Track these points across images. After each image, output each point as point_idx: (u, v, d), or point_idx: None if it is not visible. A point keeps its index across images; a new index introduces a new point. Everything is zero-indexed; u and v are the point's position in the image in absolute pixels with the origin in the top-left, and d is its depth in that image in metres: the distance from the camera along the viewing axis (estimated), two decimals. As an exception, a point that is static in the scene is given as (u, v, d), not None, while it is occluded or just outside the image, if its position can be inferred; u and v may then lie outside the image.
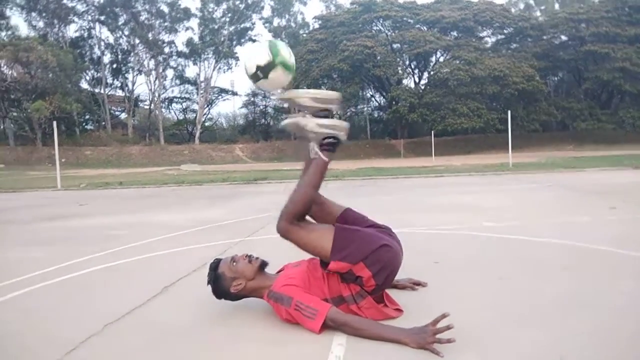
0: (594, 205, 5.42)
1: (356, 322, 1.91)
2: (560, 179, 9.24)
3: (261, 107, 53.09)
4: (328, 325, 1.91)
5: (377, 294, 2.07)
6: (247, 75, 2.13)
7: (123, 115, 45.34)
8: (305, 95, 2.12)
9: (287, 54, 2.10)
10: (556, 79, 42.12)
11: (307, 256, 2.23)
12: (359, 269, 2.01)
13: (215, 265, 2.19)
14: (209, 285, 2.19)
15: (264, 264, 2.19)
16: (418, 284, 2.52)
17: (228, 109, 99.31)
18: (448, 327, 1.73)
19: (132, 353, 1.89)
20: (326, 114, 2.14)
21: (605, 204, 5.29)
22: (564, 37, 39.28)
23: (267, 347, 1.87)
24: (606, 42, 35.05)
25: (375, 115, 49.90)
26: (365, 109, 48.34)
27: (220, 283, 2.16)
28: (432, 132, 31.87)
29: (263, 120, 53.30)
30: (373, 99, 49.20)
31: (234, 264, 2.16)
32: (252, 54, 2.13)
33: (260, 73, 2.07)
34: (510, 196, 6.76)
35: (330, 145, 2.11)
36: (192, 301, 2.44)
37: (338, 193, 7.83)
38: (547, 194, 6.80)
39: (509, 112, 15.38)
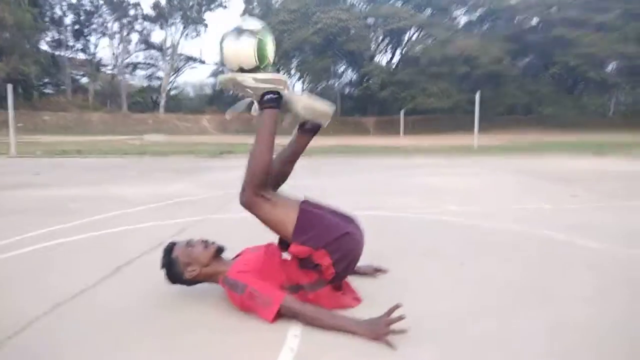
0: (555, 192, 5.54)
1: (311, 311, 1.86)
2: (523, 164, 9.43)
3: (230, 77, 51.97)
4: (282, 314, 1.86)
5: (335, 282, 2.03)
6: (225, 63, 2.05)
7: (84, 80, 43.52)
8: (250, 76, 2.01)
9: (272, 54, 2.04)
10: (524, 62, 42.78)
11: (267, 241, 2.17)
12: (320, 255, 1.95)
13: (169, 249, 2.10)
14: (161, 267, 2.11)
15: (219, 250, 2.11)
16: (379, 270, 2.49)
17: (195, 78, 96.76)
18: (400, 318, 1.70)
19: (77, 338, 1.80)
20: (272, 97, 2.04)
21: (566, 191, 5.42)
22: (534, 21, 39.81)
23: (218, 335, 1.80)
24: (574, 28, 35.65)
25: (346, 91, 49.68)
26: (337, 84, 48.04)
27: (174, 268, 2.07)
28: (402, 111, 32.04)
29: (231, 91, 52.35)
30: (345, 74, 48.88)
31: (189, 248, 2.08)
32: (237, 51, 2.00)
33: (240, 71, 2.00)
34: (475, 180, 6.85)
35: (272, 101, 2.01)
36: (144, 284, 2.34)
37: (302, 172, 7.77)
38: (510, 179, 6.92)
39: (478, 93, 15.48)
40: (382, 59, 44.59)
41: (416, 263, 2.71)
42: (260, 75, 2.00)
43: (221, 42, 2.04)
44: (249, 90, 2.01)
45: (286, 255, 2.09)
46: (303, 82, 49.25)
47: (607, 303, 2.09)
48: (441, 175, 7.46)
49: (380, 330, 1.72)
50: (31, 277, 2.50)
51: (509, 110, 40.03)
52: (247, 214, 2.04)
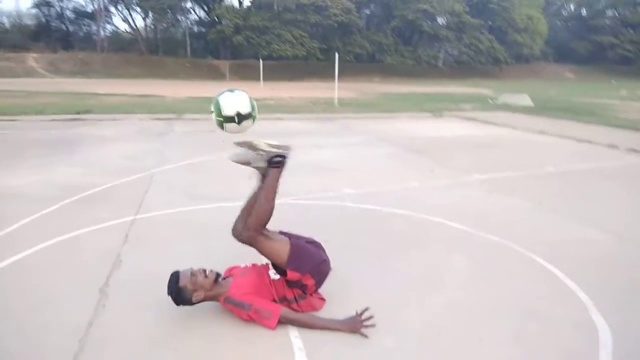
0: (417, 167, 6.73)
1: (303, 318, 2.54)
2: (381, 128, 10.78)
3: (58, 8, 45.29)
4: (281, 322, 2.50)
5: (311, 294, 2.72)
6: (219, 115, 2.51)
7: None
8: (264, 141, 2.61)
9: (255, 105, 2.60)
10: (368, 13, 45.52)
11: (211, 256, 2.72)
12: (306, 278, 2.61)
13: (176, 280, 2.53)
14: (169, 294, 2.55)
15: (218, 276, 2.62)
16: None
17: (10, 6, 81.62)
18: (371, 317, 2.48)
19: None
20: (280, 159, 2.64)
21: (425, 165, 6.70)
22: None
23: (243, 346, 2.37)
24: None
25: (195, 30, 47.21)
26: (184, 21, 45.34)
27: (183, 295, 2.53)
28: (260, 57, 32.06)
29: (63, 26, 45.85)
30: (193, 11, 46.21)
31: (193, 277, 2.54)
32: (235, 100, 2.54)
33: (237, 118, 2.49)
34: (353, 154, 7.70)
35: (279, 163, 2.62)
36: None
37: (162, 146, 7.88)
38: (379, 152, 7.92)
39: (337, 57, 16.55)
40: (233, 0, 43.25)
41: (341, 258, 3.18)
42: (272, 142, 2.59)
43: (218, 97, 2.58)
44: (261, 152, 2.57)
45: (273, 276, 2.69)
46: (145, 19, 45.34)
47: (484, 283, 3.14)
48: (320, 147, 8.20)
49: (357, 325, 2.47)
50: None
51: (356, 58, 42.63)
52: (171, 211, 2.66)
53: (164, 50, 43.66)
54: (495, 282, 3.11)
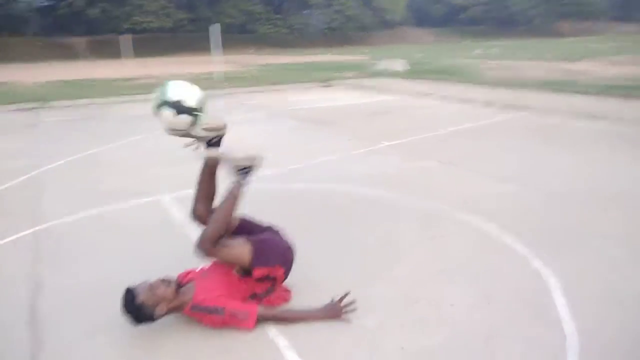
0: (327, 138, 6.77)
1: (280, 313, 2.40)
2: (276, 103, 10.62)
3: None
4: (258, 321, 2.33)
5: (281, 285, 2.58)
6: (162, 96, 2.29)
7: None
8: (200, 127, 2.40)
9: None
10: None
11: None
12: (275, 270, 2.46)
13: (132, 297, 2.22)
14: (126, 316, 2.23)
15: (179, 284, 2.36)
16: None
17: None
18: (353, 302, 2.42)
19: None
20: (217, 140, 2.49)
21: (334, 136, 6.76)
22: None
23: (223, 356, 2.17)
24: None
25: (44, 3, 41.50)
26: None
27: (144, 312, 2.23)
28: (120, 32, 29.36)
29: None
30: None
31: (152, 290, 2.25)
32: (185, 90, 2.36)
33: (176, 107, 2.30)
34: (259, 130, 7.54)
35: (247, 173, 2.43)
36: None
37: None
38: (284, 126, 7.83)
39: (217, 29, 15.73)
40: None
41: (295, 243, 3.10)
42: (244, 155, 2.44)
43: (170, 81, 2.39)
44: (233, 164, 2.43)
45: (236, 272, 2.49)
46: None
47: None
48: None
49: (338, 311, 2.40)
50: None
51: (226, 29, 41.12)
52: (80, 215, 2.88)
53: (6, 29, 37.76)
54: (444, 245, 3.25)
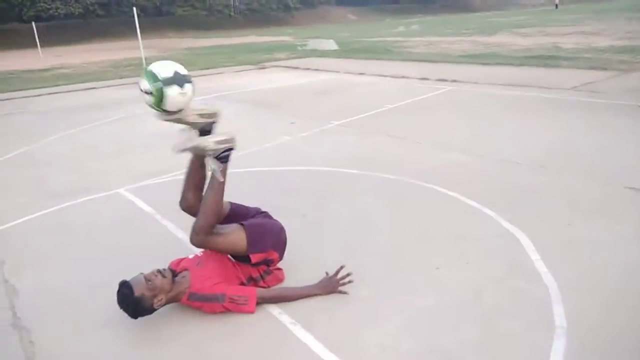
0: (276, 121, 6.72)
1: (279, 293, 2.44)
2: (213, 87, 10.34)
3: None
4: (258, 304, 2.37)
5: (275, 266, 2.62)
6: (156, 80, 2.14)
7: None
8: (192, 114, 2.32)
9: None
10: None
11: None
12: (270, 253, 2.50)
13: (130, 290, 2.16)
14: (125, 310, 2.19)
15: (174, 273, 2.33)
16: None
17: None
18: (349, 274, 2.52)
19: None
20: (211, 127, 2.43)
21: (281, 118, 6.76)
22: None
23: (232, 340, 2.19)
24: None
25: None
26: None
27: (143, 304, 2.20)
28: (26, 19, 26.95)
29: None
30: None
31: (149, 282, 2.21)
32: (167, 63, 2.23)
33: (177, 80, 2.17)
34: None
35: (226, 156, 2.37)
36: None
37: None
38: (227, 111, 7.59)
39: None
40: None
41: (282, 221, 2.91)
42: (219, 138, 2.33)
43: (146, 69, 2.22)
44: (211, 151, 2.33)
45: (231, 257, 2.50)
46: None
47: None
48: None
49: (335, 285, 2.48)
50: None
51: (143, 12, 39.03)
52: (32, 216, 2.86)
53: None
54: (416, 214, 3.44)
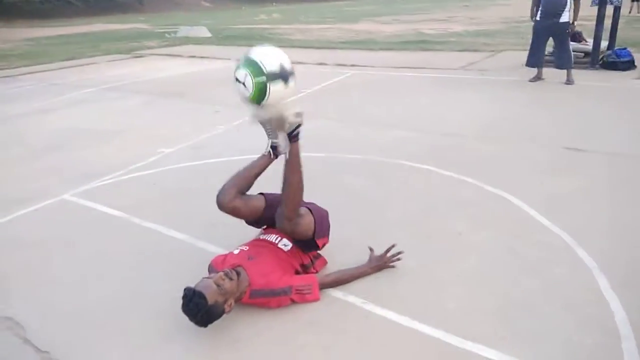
0: (198, 111, 6.25)
1: (338, 277, 2.38)
2: (96, 79, 9.29)
3: None
4: (320, 289, 2.29)
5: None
6: (260, 74, 1.96)
7: None
8: (291, 112, 2.18)
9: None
10: None
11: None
12: (325, 239, 2.45)
13: (204, 299, 1.93)
14: (196, 320, 1.97)
15: (239, 274, 2.13)
16: None
17: None
18: (400, 252, 2.53)
19: None
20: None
21: (202, 108, 6.37)
22: None
23: (311, 329, 2.08)
24: None
25: None
26: None
27: (215, 312, 2.00)
28: None
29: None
30: None
31: (220, 287, 2.00)
32: (271, 52, 2.04)
33: (282, 76, 1.99)
34: (105, 111, 6.54)
35: (297, 133, 2.26)
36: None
37: None
38: (134, 102, 6.98)
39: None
40: None
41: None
42: (298, 111, 2.16)
43: (246, 55, 2.04)
44: (287, 124, 2.18)
45: (283, 247, 2.37)
46: None
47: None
48: (49, 112, 6.66)
49: (386, 262, 2.50)
50: None
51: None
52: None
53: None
54: (405, 189, 3.57)
